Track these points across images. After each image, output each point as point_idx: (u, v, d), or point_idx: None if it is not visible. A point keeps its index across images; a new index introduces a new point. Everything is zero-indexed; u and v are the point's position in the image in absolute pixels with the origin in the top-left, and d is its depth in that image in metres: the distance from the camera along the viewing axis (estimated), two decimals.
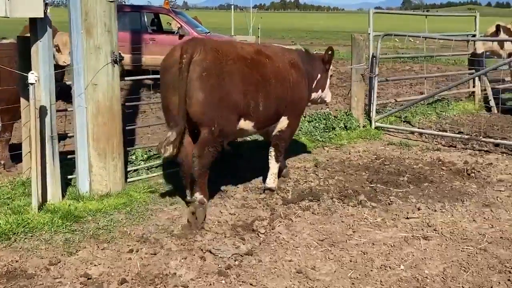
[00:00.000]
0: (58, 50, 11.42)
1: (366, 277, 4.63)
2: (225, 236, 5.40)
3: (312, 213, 6.05)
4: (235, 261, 4.90)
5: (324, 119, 9.76)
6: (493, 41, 11.53)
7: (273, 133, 6.71)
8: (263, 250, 5.13)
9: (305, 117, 9.72)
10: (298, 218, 5.90)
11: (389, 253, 5.06)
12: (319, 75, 7.16)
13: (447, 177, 7.37)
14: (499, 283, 4.48)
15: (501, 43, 11.38)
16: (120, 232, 5.45)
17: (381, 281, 4.55)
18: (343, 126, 9.71)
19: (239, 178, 7.14)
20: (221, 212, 6.04)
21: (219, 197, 6.52)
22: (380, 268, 4.78)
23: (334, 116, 9.98)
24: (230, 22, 27.25)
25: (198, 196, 5.74)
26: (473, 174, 7.47)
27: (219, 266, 4.80)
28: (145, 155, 7.64)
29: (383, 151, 8.76)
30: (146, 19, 17.12)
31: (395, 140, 9.51)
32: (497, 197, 6.59)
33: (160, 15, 18.31)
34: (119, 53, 6.34)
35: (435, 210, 6.12)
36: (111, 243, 5.21)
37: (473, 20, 13.12)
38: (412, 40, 31.03)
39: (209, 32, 18.05)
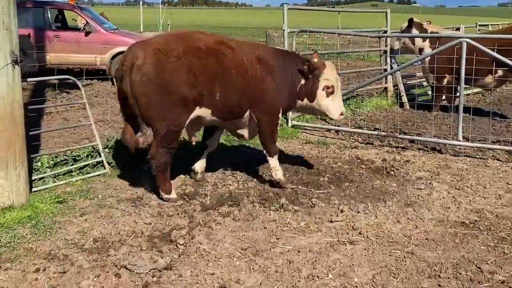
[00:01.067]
0: None
1: None
2: (141, 249, 5.00)
3: (233, 219, 5.74)
4: (153, 277, 4.53)
5: None
6: (405, 37, 11.66)
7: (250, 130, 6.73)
8: (183, 263, 4.78)
9: None
10: (219, 226, 5.57)
11: (315, 261, 4.82)
12: (302, 80, 6.69)
13: (367, 175, 7.27)
14: None
15: (412, 38, 11.52)
16: (25, 249, 4.95)
17: None
18: None
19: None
20: (136, 222, 5.62)
21: (132, 205, 6.09)
22: (308, 278, 4.53)
23: None
24: (139, 19, 26.48)
25: (162, 195, 6.21)
26: (392, 172, 7.41)
27: (136, 283, 4.42)
28: (51, 162, 7.06)
29: (301, 151, 8.58)
30: (49, 16, 16.22)
31: (313, 139, 9.38)
32: (418, 195, 6.53)
33: (65, 11, 17.42)
34: (20, 53, 5.78)
35: (358, 212, 5.96)
36: (14, 262, 4.71)
37: (381, 15, 13.26)
38: (318, 36, 31.36)
39: (117, 29, 17.40)
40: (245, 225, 5.59)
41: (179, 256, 4.91)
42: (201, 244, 5.13)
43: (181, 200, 6.26)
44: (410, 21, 11.63)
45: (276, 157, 6.75)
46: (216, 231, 5.43)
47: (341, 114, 6.80)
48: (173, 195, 6.27)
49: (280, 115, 6.70)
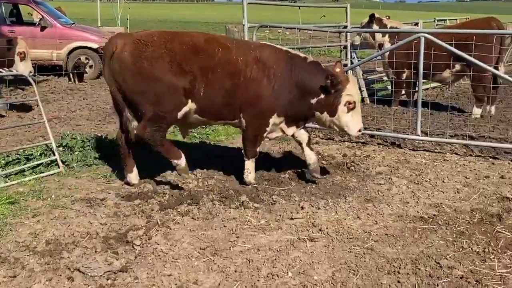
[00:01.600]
0: (23, 58, 10.39)
1: None
2: (95, 251, 4.85)
3: (192, 218, 5.63)
4: (107, 279, 4.40)
5: None
6: (364, 32, 11.68)
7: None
8: (139, 264, 4.65)
9: None
10: (177, 225, 5.45)
11: (275, 259, 4.75)
12: (322, 95, 6.42)
13: (328, 171, 7.23)
14: (389, 285, 4.31)
15: (373, 34, 11.55)
16: None
17: None
18: None
19: (112, 182, 6.59)
20: (91, 223, 5.46)
21: (87, 205, 5.92)
22: (267, 277, 4.45)
23: None
24: (97, 13, 26.00)
25: (174, 162, 6.27)
26: (352, 168, 7.40)
27: (90, 287, 4.28)
28: (3, 161, 6.85)
29: (262, 147, 8.49)
30: (3, 10, 15.79)
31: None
32: (378, 190, 6.53)
33: (20, 5, 16.98)
34: None
35: (319, 208, 5.92)
36: None
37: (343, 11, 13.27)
38: (280, 32, 31.31)
39: (73, 23, 17.04)
40: (205, 224, 5.49)
41: (136, 257, 4.78)
42: (158, 244, 5.02)
43: (138, 199, 6.11)
44: (372, 16, 11.64)
45: (252, 160, 6.66)
46: (174, 231, 5.31)
47: (359, 130, 6.64)
48: (183, 161, 6.29)
49: (270, 121, 6.47)
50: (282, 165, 7.38)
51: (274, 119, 6.47)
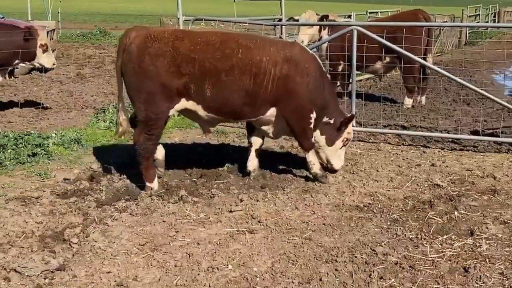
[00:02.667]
0: (46, 50, 9.85)
1: (193, 283, 4.31)
2: (32, 251, 4.76)
3: (130, 214, 5.58)
4: (45, 279, 4.32)
5: None
6: (297, 25, 11.77)
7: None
8: (77, 262, 4.59)
9: (115, 107, 9.12)
10: (115, 222, 5.40)
11: (215, 252, 4.78)
12: (332, 120, 6.62)
13: (266, 163, 7.29)
14: (327, 273, 4.41)
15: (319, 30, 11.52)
16: None
17: (209, 285, 4.26)
18: None
19: (47, 180, 6.45)
20: (26, 222, 5.34)
21: (22, 204, 5.77)
22: (208, 270, 4.48)
23: None
24: (27, 6, 25.19)
25: (146, 183, 6.22)
26: (290, 159, 7.49)
27: (27, 286, 4.21)
28: None
29: (201, 140, 8.50)
30: None
31: (212, 128, 9.29)
32: (315, 181, 6.64)
33: None
34: None
35: (258, 200, 5.98)
36: None
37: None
38: (214, 24, 31.18)
39: (2, 18, 16.44)
40: (143, 220, 5.46)
41: (73, 255, 4.72)
42: (96, 242, 4.96)
43: (74, 197, 6.01)
44: (324, 17, 11.61)
45: (312, 152, 6.61)
46: (113, 228, 5.26)
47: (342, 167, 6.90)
48: (155, 184, 6.25)
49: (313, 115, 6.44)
50: (220, 158, 7.40)
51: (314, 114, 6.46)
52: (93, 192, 6.18)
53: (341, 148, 6.74)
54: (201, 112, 6.23)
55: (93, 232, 5.14)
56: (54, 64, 10.32)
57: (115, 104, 9.32)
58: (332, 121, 6.62)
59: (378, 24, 10.41)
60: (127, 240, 5.01)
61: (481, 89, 8.81)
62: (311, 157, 6.61)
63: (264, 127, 6.61)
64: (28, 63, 10.07)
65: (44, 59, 9.86)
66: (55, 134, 7.94)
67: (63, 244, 4.91)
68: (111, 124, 8.68)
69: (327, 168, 6.82)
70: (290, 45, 6.55)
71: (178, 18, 10.12)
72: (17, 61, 9.78)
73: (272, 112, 6.36)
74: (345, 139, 6.69)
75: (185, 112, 6.40)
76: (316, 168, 6.63)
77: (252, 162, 6.83)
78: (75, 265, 4.54)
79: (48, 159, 7.18)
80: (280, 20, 12.80)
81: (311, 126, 6.47)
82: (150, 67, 5.88)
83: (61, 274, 4.38)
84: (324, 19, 11.11)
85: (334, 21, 11.42)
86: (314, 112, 6.41)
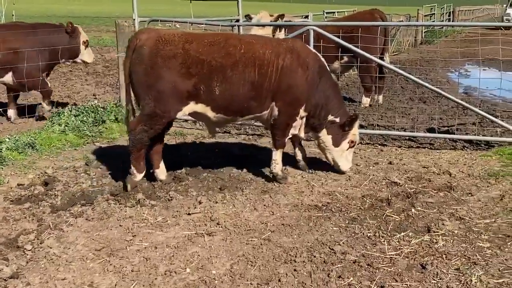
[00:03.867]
0: (87, 47, 10.22)
1: (150, 287, 4.23)
2: None
3: (86, 219, 5.47)
4: None
5: (93, 112, 9.06)
6: (254, 25, 11.74)
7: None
8: (31, 270, 4.48)
9: (70, 110, 8.97)
10: (70, 227, 5.28)
11: (173, 256, 4.72)
12: (338, 119, 6.76)
13: (225, 165, 7.25)
14: (286, 274, 4.39)
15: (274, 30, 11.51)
16: None
17: None
18: (113, 118, 9.14)
19: (0, 185, 6.30)
20: None
21: None
22: (165, 274, 4.42)
23: (103, 108, 9.31)
24: None
25: (131, 172, 6.33)
26: (249, 160, 7.46)
27: None
28: None
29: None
30: None
31: (170, 130, 9.20)
32: (274, 181, 6.62)
33: None
34: None
35: (217, 202, 5.93)
36: None
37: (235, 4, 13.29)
38: (170, 26, 30.86)
39: None
40: (99, 225, 5.36)
41: (27, 262, 4.60)
42: (51, 248, 4.84)
43: (28, 202, 5.87)
44: (280, 16, 11.60)
45: (280, 151, 6.69)
46: (68, 233, 5.15)
47: (349, 169, 7.00)
48: (140, 177, 6.38)
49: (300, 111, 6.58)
50: (178, 160, 7.32)
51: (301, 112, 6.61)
52: (47, 197, 6.04)
53: (347, 149, 6.85)
54: (210, 113, 6.35)
55: (47, 238, 5.02)
56: (93, 59, 10.82)
57: (70, 108, 9.16)
58: (338, 120, 6.75)
59: (335, 24, 10.49)
60: (82, 245, 4.91)
61: (437, 88, 8.95)
62: (277, 155, 6.66)
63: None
64: (71, 60, 10.26)
65: (86, 55, 10.25)
66: (9, 139, 7.73)
67: (16, 251, 4.79)
68: (66, 127, 8.49)
69: (334, 169, 6.99)
70: (292, 39, 7.03)
71: (134, 20, 9.98)
72: (63, 60, 10.00)
73: (273, 106, 6.50)
74: (351, 141, 6.81)
75: (194, 115, 6.44)
76: (278, 168, 6.66)
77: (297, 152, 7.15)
78: (29, 273, 4.42)
79: (1, 165, 6.99)
80: (237, 20, 12.74)
81: (294, 123, 6.62)
82: (162, 68, 6.03)
83: (15, 282, 4.27)
84: (280, 19, 11.11)
85: (290, 21, 11.42)
86: (303, 109, 6.55)
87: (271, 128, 6.70)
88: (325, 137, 6.80)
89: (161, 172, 6.60)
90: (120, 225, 5.34)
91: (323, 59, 6.82)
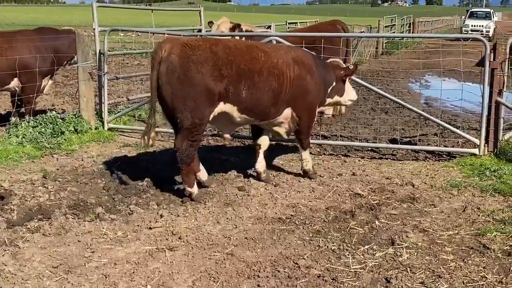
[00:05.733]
0: None
1: None
2: None
3: (43, 234, 5.29)
4: None
5: (51, 123, 8.82)
6: (218, 35, 11.67)
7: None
8: None
9: (28, 121, 8.73)
10: (27, 243, 5.10)
11: (133, 272, 4.59)
12: (334, 83, 7.31)
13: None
14: None
15: None
16: None
17: None
18: (73, 129, 8.92)
19: None
20: None
21: None
22: None
23: (62, 119, 9.07)
24: None
25: (185, 188, 6.33)
26: (211, 172, 7.35)
27: None
28: None
29: (119, 154, 8.23)
30: None
31: (131, 141, 9.06)
32: (236, 194, 6.55)
33: None
34: None
35: (178, 215, 5.83)
36: None
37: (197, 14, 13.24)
38: (130, 35, 30.72)
39: None
40: (57, 240, 5.19)
41: None
42: (6, 265, 4.65)
43: None
44: (236, 26, 11.55)
45: (308, 150, 7.30)
46: (24, 250, 4.96)
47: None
48: (195, 189, 6.37)
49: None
50: (140, 173, 7.17)
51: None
52: (3, 212, 5.83)
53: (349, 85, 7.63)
54: (236, 113, 6.44)
55: (2, 255, 4.83)
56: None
57: (27, 119, 8.93)
58: (334, 84, 7.31)
59: (298, 35, 10.48)
60: (39, 262, 4.73)
61: (398, 98, 9.01)
62: (306, 154, 7.22)
63: (276, 128, 7.04)
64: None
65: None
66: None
67: None
68: (23, 139, 8.25)
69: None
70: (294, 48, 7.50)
71: (94, 29, 9.82)
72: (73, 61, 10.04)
73: (287, 112, 6.86)
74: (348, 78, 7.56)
75: (220, 116, 6.43)
76: (309, 165, 7.23)
77: (262, 164, 7.13)
78: None
79: None
80: (199, 30, 12.69)
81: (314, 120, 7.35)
82: (196, 74, 5.98)
83: None
84: (236, 29, 11.08)
85: (251, 31, 11.38)
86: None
87: (295, 133, 7.16)
88: (329, 101, 7.44)
89: (202, 174, 6.74)
90: (78, 241, 5.18)
91: (311, 53, 7.41)
